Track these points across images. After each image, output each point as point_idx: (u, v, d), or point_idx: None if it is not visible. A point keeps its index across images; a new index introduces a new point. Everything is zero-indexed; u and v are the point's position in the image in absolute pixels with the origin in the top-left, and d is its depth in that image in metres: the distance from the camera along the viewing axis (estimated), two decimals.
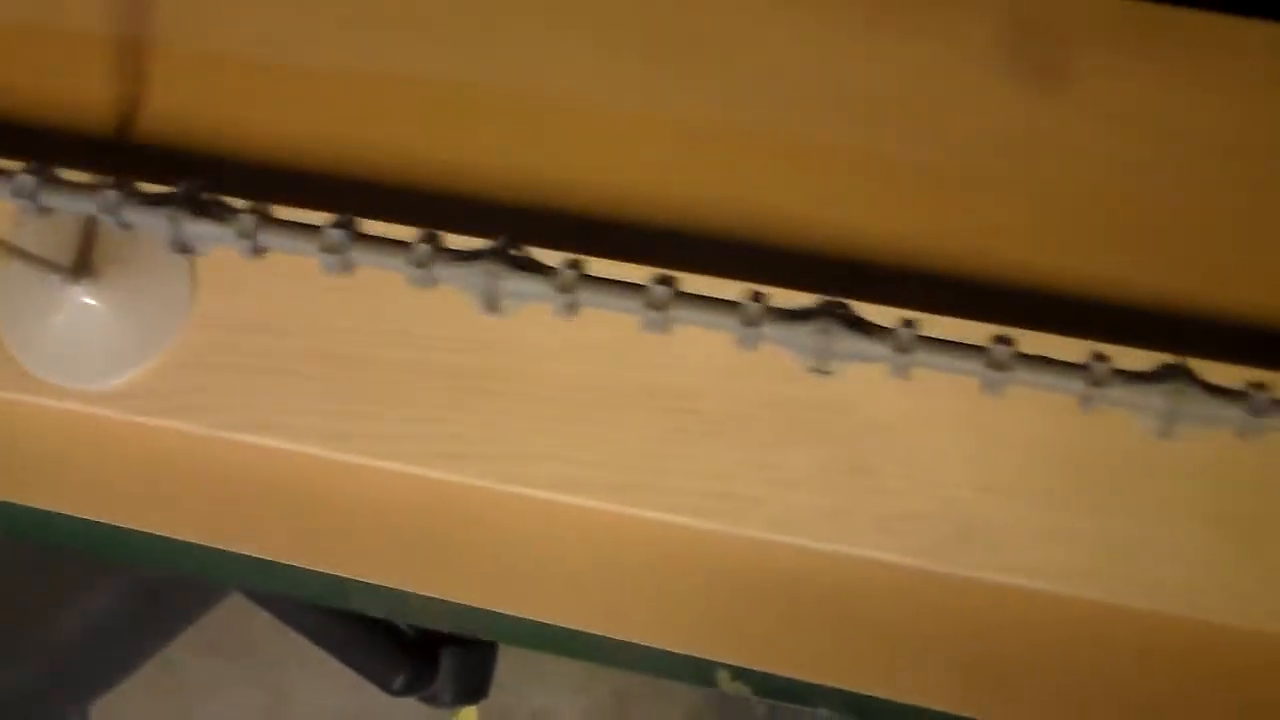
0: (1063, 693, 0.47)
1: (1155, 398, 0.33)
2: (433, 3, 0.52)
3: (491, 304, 0.33)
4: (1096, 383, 0.33)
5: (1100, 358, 0.33)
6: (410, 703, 0.92)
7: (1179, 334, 0.47)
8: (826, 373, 0.33)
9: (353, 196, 0.48)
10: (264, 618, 0.81)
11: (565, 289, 0.33)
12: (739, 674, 0.49)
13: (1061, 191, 0.48)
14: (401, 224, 0.40)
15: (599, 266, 0.36)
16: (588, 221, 0.48)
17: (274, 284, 0.47)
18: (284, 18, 0.51)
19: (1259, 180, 0.49)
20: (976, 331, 0.36)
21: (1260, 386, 0.32)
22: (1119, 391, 0.33)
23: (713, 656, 0.48)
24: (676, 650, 0.48)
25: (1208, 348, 0.42)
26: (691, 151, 0.49)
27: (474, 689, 0.95)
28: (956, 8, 0.51)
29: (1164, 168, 0.49)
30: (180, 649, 0.84)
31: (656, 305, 0.33)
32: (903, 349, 0.33)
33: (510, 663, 0.95)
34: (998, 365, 0.33)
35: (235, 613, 0.83)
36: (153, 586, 0.71)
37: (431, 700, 0.94)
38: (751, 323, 0.33)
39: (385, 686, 0.89)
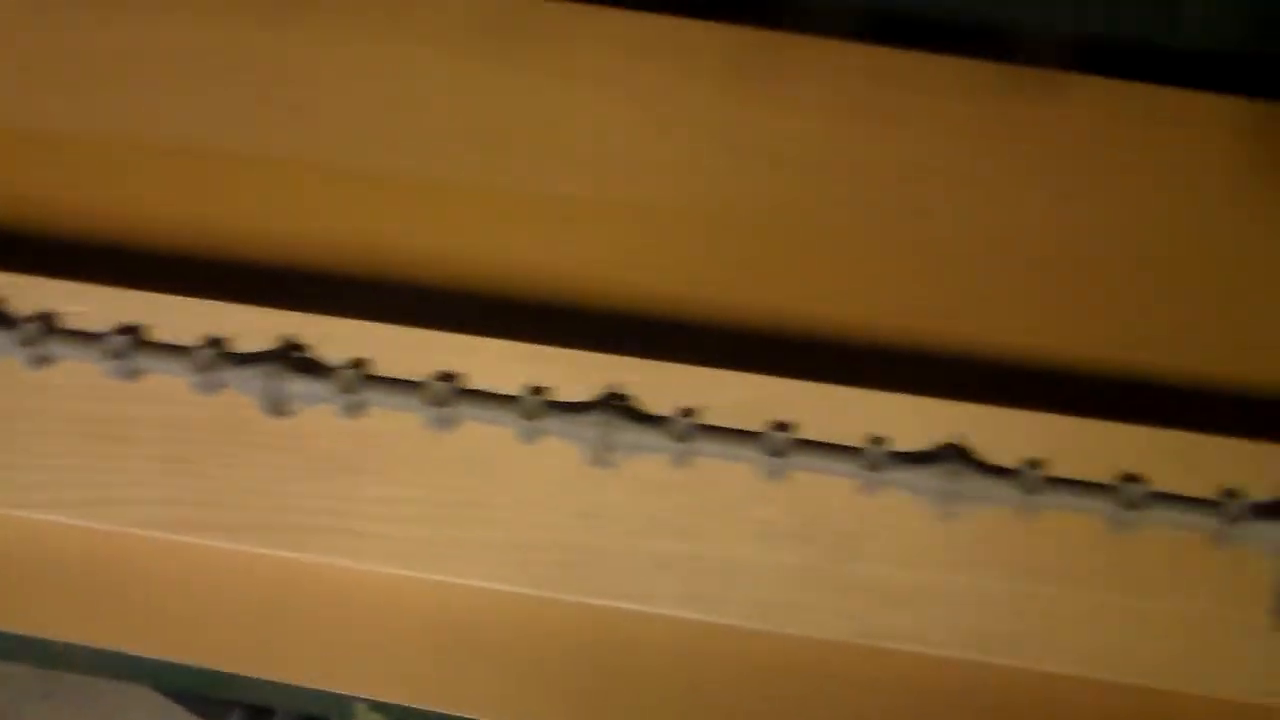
0: (676, 711, 0.47)
1: (588, 429, 0.34)
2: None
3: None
4: (528, 416, 0.34)
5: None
6: None
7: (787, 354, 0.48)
8: (285, 414, 0.34)
9: None
10: None
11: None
12: (376, 707, 0.49)
13: (666, 212, 0.49)
14: None
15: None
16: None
17: None
18: None
19: (852, 198, 0.49)
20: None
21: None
22: (555, 422, 0.34)
23: (344, 690, 0.49)
24: (309, 685, 0.49)
25: (815, 370, 0.43)
26: (302, 189, 0.50)
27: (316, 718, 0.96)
28: (574, 40, 0.52)
29: (763, 186, 0.49)
30: (21, 697, 0.85)
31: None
32: (348, 389, 0.34)
33: None
34: (439, 401, 0.34)
35: None
36: None
37: None
38: (205, 368, 0.34)
39: None
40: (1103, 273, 0.47)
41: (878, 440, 0.34)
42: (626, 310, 0.44)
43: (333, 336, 0.38)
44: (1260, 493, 0.33)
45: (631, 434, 0.34)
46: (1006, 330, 0.44)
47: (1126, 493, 0.34)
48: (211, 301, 0.40)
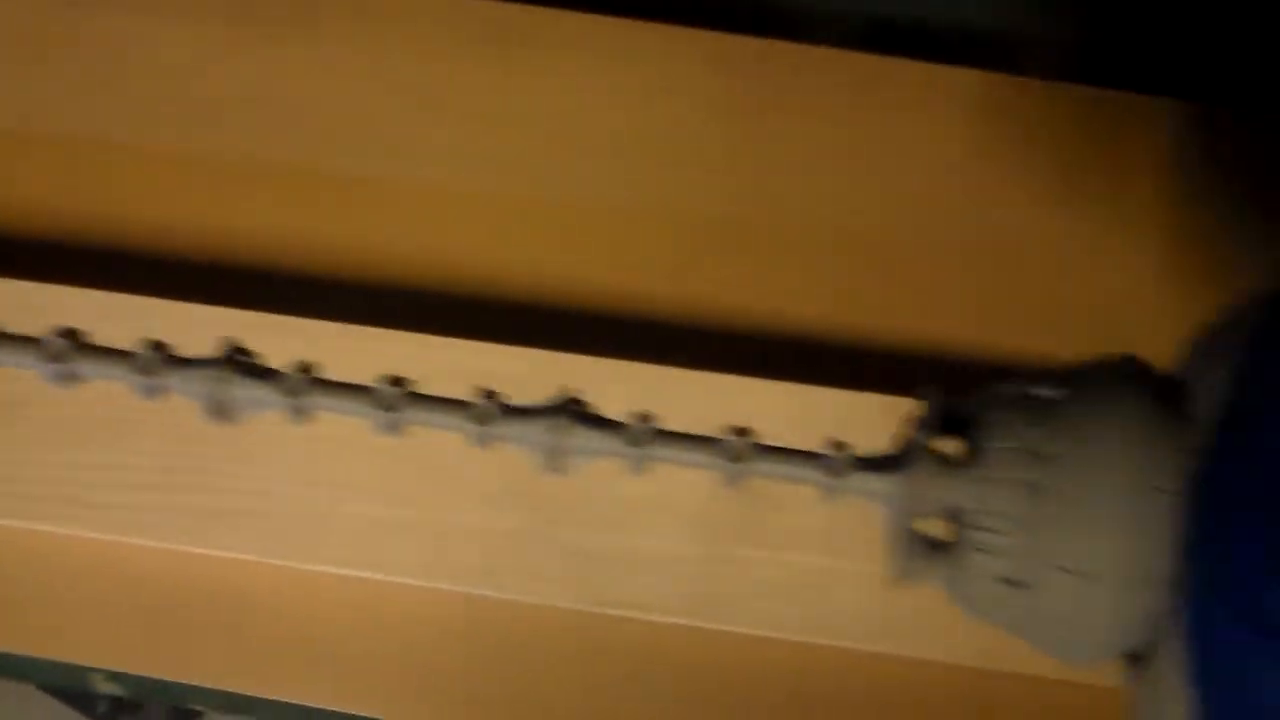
0: (395, 677, 0.47)
1: (203, 385, 0.34)
2: None
3: None
4: (144, 371, 0.34)
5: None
6: None
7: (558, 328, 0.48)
8: None
9: None
10: None
11: None
12: (113, 676, 0.49)
13: (443, 193, 0.49)
14: None
15: None
16: None
17: None
18: None
19: (635, 176, 0.49)
20: None
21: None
22: (173, 379, 0.34)
23: (75, 660, 0.49)
24: (40, 656, 0.49)
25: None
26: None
27: (190, 711, 0.96)
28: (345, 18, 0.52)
29: (547, 166, 0.50)
30: None
31: None
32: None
33: None
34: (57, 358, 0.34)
35: None
36: None
37: None
38: None
39: (89, 713, 0.91)
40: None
41: (489, 394, 0.34)
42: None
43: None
44: (872, 444, 0.33)
45: (247, 390, 0.34)
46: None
47: (732, 445, 0.33)
48: None
